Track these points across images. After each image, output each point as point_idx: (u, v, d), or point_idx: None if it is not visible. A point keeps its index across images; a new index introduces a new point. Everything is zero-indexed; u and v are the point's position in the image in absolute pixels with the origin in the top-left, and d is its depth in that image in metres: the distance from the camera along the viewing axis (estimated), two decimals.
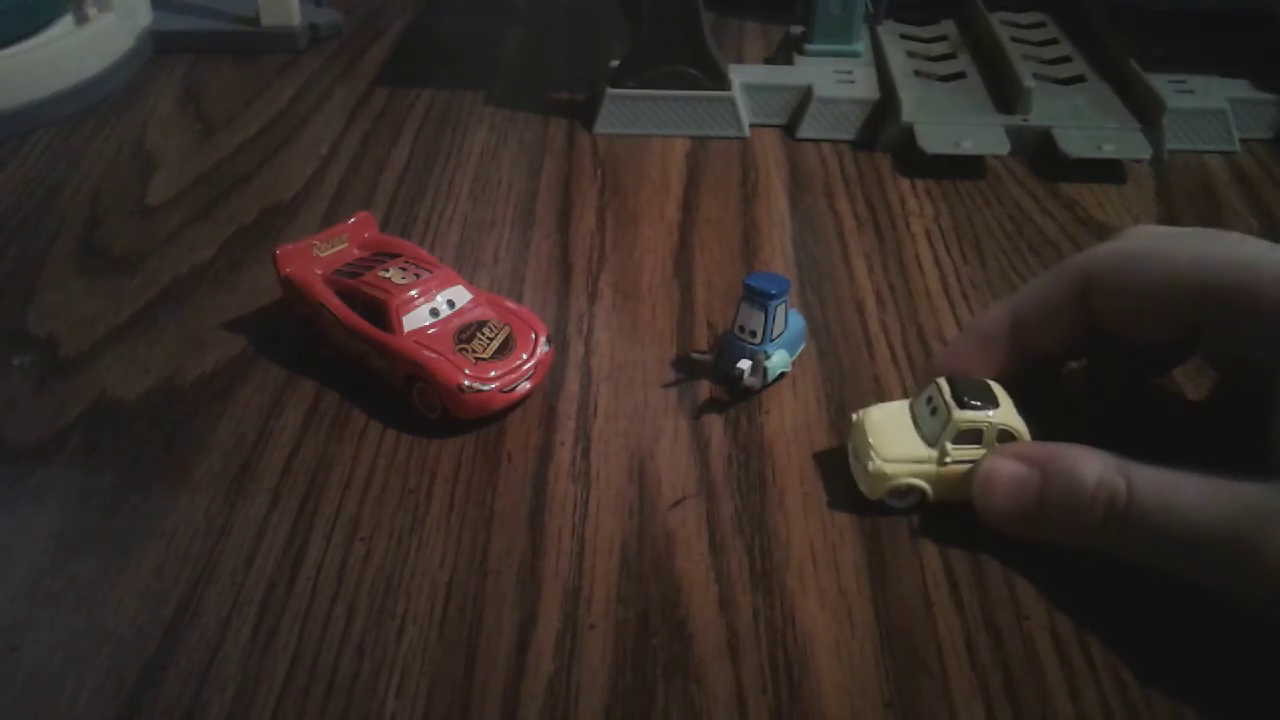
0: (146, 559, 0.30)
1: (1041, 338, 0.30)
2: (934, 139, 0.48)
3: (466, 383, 0.32)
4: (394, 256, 0.37)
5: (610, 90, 0.51)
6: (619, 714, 0.26)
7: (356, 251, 0.38)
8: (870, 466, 0.30)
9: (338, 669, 0.27)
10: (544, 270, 0.42)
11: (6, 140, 0.50)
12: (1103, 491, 0.26)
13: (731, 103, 0.51)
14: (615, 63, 0.51)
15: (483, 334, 0.34)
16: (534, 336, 0.35)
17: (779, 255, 0.42)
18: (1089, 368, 0.35)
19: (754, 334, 0.34)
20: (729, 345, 0.35)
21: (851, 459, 0.32)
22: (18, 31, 0.52)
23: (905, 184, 0.47)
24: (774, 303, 0.34)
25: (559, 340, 0.38)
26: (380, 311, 0.34)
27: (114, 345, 0.38)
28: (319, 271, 0.37)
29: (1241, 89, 0.51)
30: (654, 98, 0.51)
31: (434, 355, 0.33)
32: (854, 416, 0.32)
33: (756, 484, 0.32)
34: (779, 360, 0.35)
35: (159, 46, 0.59)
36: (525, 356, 0.34)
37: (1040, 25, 0.58)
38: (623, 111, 0.51)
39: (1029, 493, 0.28)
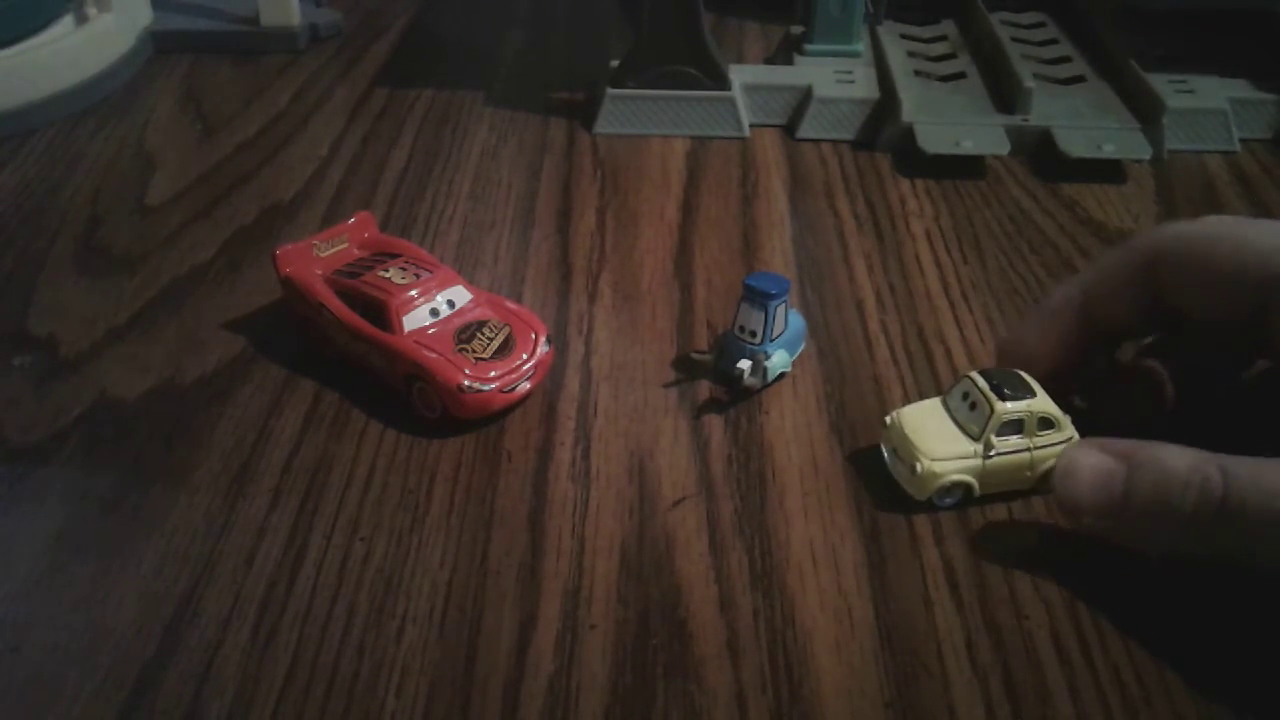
0: (146, 559, 0.30)
1: (1109, 314, 0.30)
2: (934, 139, 0.48)
3: (466, 383, 0.32)
4: (394, 256, 0.37)
5: (610, 90, 0.51)
6: (619, 714, 0.26)
7: (356, 251, 0.38)
8: (919, 468, 0.30)
9: (338, 669, 0.27)
10: (544, 270, 0.42)
11: (6, 140, 0.50)
12: (1195, 478, 0.25)
13: (731, 103, 0.51)
14: (615, 63, 0.51)
15: (483, 334, 0.34)
16: (534, 337, 0.35)
17: (779, 255, 0.42)
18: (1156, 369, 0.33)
19: (754, 334, 0.34)
20: (729, 345, 0.35)
21: (890, 462, 0.32)
22: (18, 31, 0.52)
23: (905, 184, 0.47)
24: (774, 303, 0.34)
25: (559, 340, 0.38)
26: (380, 311, 0.34)
27: (114, 345, 0.38)
28: (319, 272, 0.37)
29: (1241, 89, 0.51)
30: (654, 98, 0.51)
31: (434, 355, 0.33)
32: (887, 419, 0.32)
33: (756, 484, 0.32)
34: (779, 361, 0.35)
35: (159, 46, 0.59)
36: (525, 356, 0.34)
37: (1040, 25, 0.58)
38: (623, 111, 0.51)
39: (1115, 484, 0.26)
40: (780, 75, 0.53)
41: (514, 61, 0.59)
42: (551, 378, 0.36)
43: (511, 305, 0.36)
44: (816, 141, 0.51)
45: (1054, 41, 0.56)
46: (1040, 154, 0.49)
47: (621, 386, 0.36)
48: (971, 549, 0.30)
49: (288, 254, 0.37)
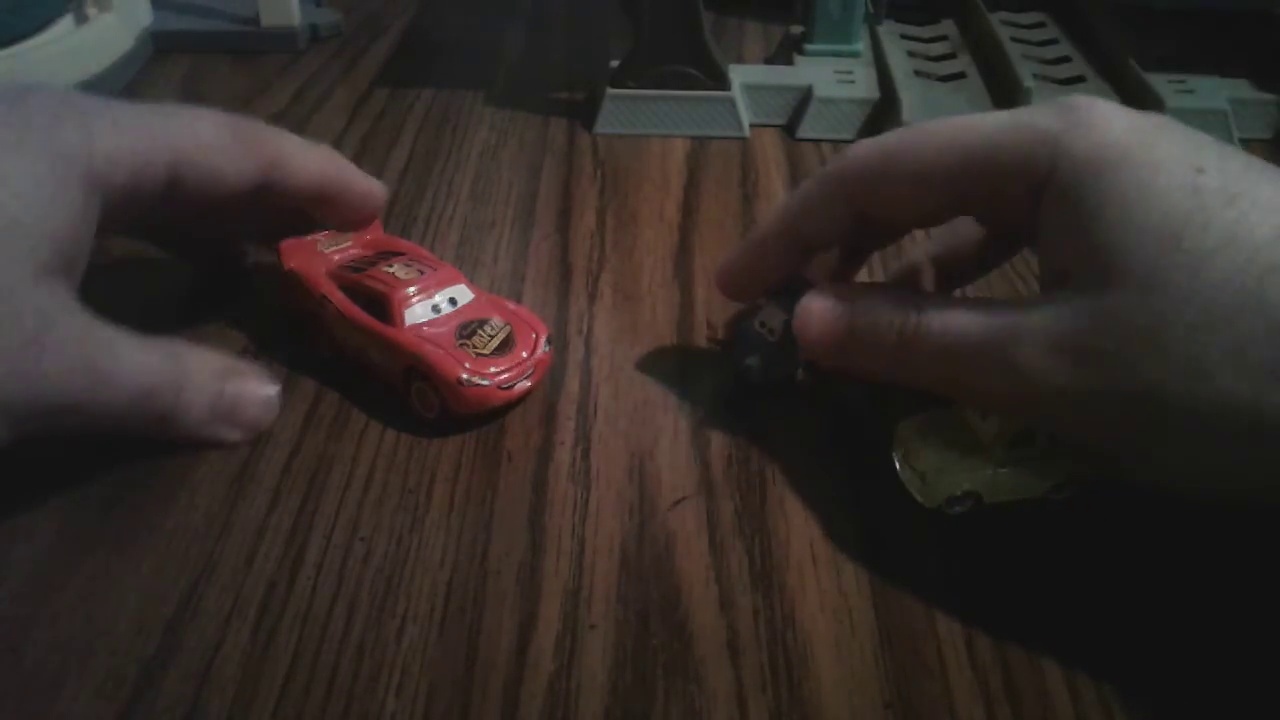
0: (146, 559, 0.30)
1: (812, 235, 0.33)
2: None
3: (465, 376, 0.32)
4: (398, 255, 0.37)
5: (610, 90, 0.51)
6: (619, 714, 0.26)
7: (360, 250, 0.38)
8: (929, 476, 0.30)
9: (338, 669, 0.27)
10: (544, 270, 0.42)
11: None
12: (898, 317, 0.30)
13: (731, 103, 0.51)
14: (615, 63, 0.51)
15: (484, 331, 0.34)
16: (534, 336, 0.35)
17: None
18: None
19: (773, 332, 0.34)
20: (747, 337, 0.35)
21: (901, 468, 0.32)
22: (18, 31, 0.51)
23: None
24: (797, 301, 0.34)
25: (559, 340, 0.38)
26: (382, 305, 0.34)
27: None
28: (322, 268, 0.37)
29: (1241, 89, 0.51)
30: (654, 98, 0.51)
31: (434, 348, 0.33)
32: (900, 426, 0.32)
33: (756, 484, 0.32)
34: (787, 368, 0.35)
35: (159, 46, 0.59)
36: (525, 355, 0.34)
37: (1040, 25, 0.58)
38: (623, 111, 0.51)
39: (840, 324, 0.31)
40: (780, 75, 0.53)
41: (514, 61, 0.59)
42: (551, 378, 0.36)
43: (513, 306, 0.36)
44: (817, 141, 0.51)
45: (1054, 41, 0.56)
46: None
47: (621, 386, 0.36)
48: (973, 549, 0.30)
49: (291, 248, 0.37)
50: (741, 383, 0.35)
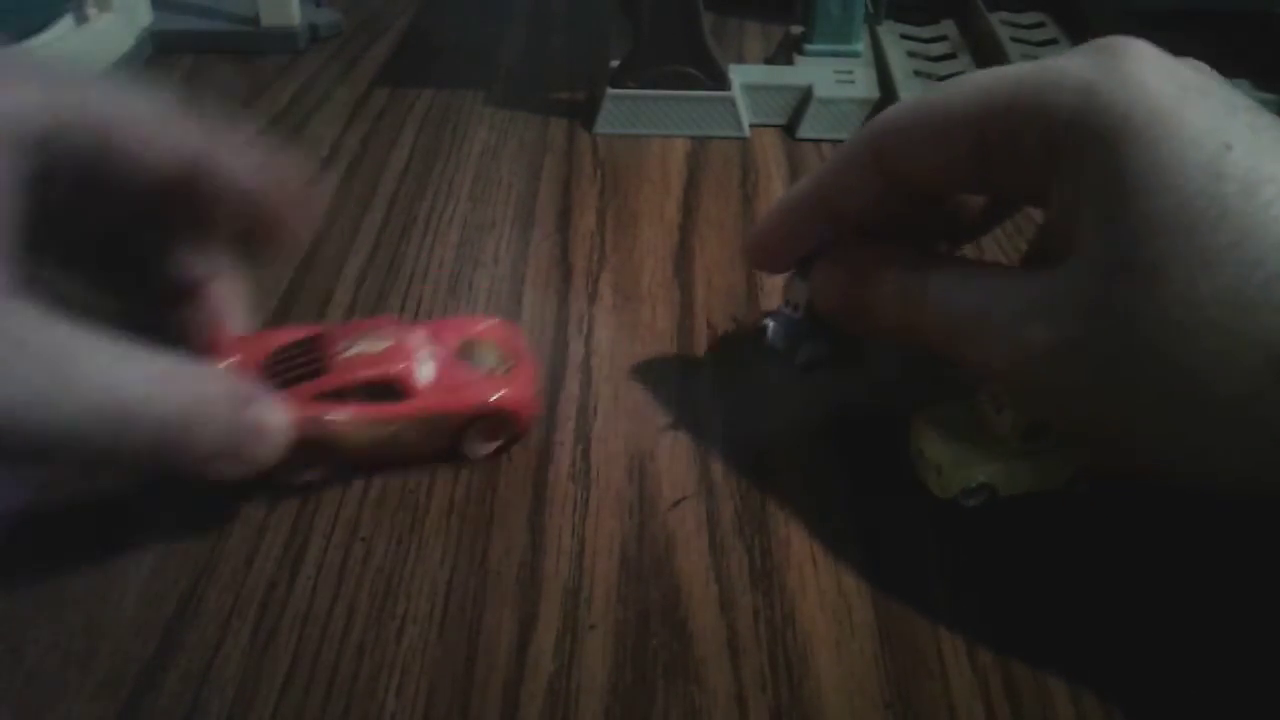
0: (146, 558, 0.30)
1: (844, 203, 0.32)
2: None
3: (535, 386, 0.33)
4: (308, 342, 0.32)
5: (610, 90, 0.51)
6: (619, 714, 0.26)
7: (253, 362, 0.32)
8: (944, 468, 0.30)
9: (338, 669, 0.27)
10: (544, 270, 0.42)
11: None
12: (902, 287, 0.30)
13: (731, 103, 0.51)
14: (615, 63, 0.51)
15: (478, 355, 0.33)
16: (502, 328, 0.35)
17: None
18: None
19: (797, 308, 0.34)
20: (776, 321, 0.36)
21: (917, 460, 0.32)
22: (18, 31, 0.51)
23: None
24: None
25: (559, 340, 0.38)
26: (392, 386, 0.31)
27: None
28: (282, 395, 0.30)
29: (1241, 89, 0.51)
30: (654, 98, 0.51)
31: (489, 390, 0.32)
32: (915, 418, 0.32)
33: (756, 484, 0.32)
34: (809, 348, 0.35)
35: (159, 46, 0.59)
36: (521, 352, 0.34)
37: (1040, 25, 0.58)
38: (623, 111, 0.51)
39: (852, 291, 0.31)
40: (780, 75, 0.53)
41: (514, 61, 0.59)
42: (551, 377, 0.36)
43: (467, 320, 0.35)
44: (817, 141, 0.51)
45: (1054, 41, 0.56)
46: None
47: (621, 386, 0.36)
48: (974, 549, 0.30)
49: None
50: (792, 361, 0.35)
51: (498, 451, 0.32)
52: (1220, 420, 0.25)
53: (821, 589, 0.29)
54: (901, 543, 0.30)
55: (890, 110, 0.31)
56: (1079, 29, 0.57)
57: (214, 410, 0.27)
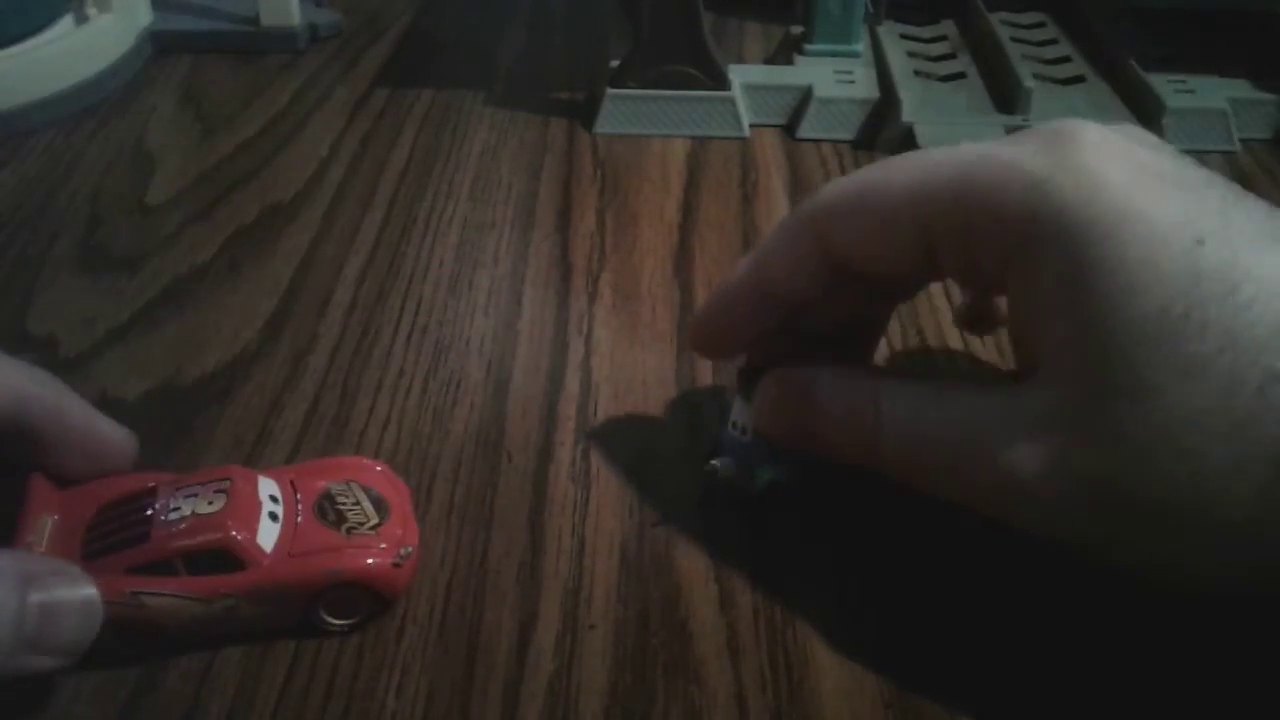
0: None
1: (789, 288, 0.29)
2: (934, 139, 0.48)
3: (402, 550, 0.27)
4: (135, 499, 0.28)
5: (610, 90, 0.51)
6: (619, 714, 0.26)
7: (59, 517, 0.28)
8: None
9: (338, 669, 0.27)
10: (544, 270, 0.42)
11: (6, 140, 0.50)
12: (854, 415, 0.27)
13: (731, 103, 0.51)
14: (615, 63, 0.51)
15: (342, 504, 0.28)
16: (377, 469, 0.30)
17: None
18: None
19: (744, 431, 0.30)
20: (723, 440, 0.31)
21: None
22: (18, 31, 0.52)
23: None
24: None
25: (559, 340, 0.38)
26: (223, 555, 0.26)
27: (114, 345, 0.38)
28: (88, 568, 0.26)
29: (1241, 89, 0.51)
30: (654, 98, 0.51)
31: (338, 555, 0.27)
32: None
33: None
34: (766, 472, 0.31)
35: (159, 46, 0.59)
36: (399, 497, 0.29)
37: (1040, 25, 0.58)
38: (623, 111, 0.51)
39: (797, 419, 0.29)
40: (780, 75, 0.53)
41: (514, 61, 0.59)
42: (551, 377, 0.36)
43: (330, 461, 0.31)
44: (816, 141, 0.51)
45: (1054, 41, 0.56)
46: None
47: (621, 386, 0.36)
48: (972, 549, 0.30)
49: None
50: (709, 485, 0.31)
51: (360, 624, 0.28)
52: (1230, 535, 0.23)
53: (822, 588, 0.29)
54: (902, 542, 0.30)
55: (830, 190, 0.28)
56: (1079, 29, 0.57)
57: None
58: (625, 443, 0.34)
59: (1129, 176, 0.24)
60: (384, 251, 0.43)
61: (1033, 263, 0.24)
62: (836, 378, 0.28)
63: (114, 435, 0.29)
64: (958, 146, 0.26)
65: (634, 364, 0.37)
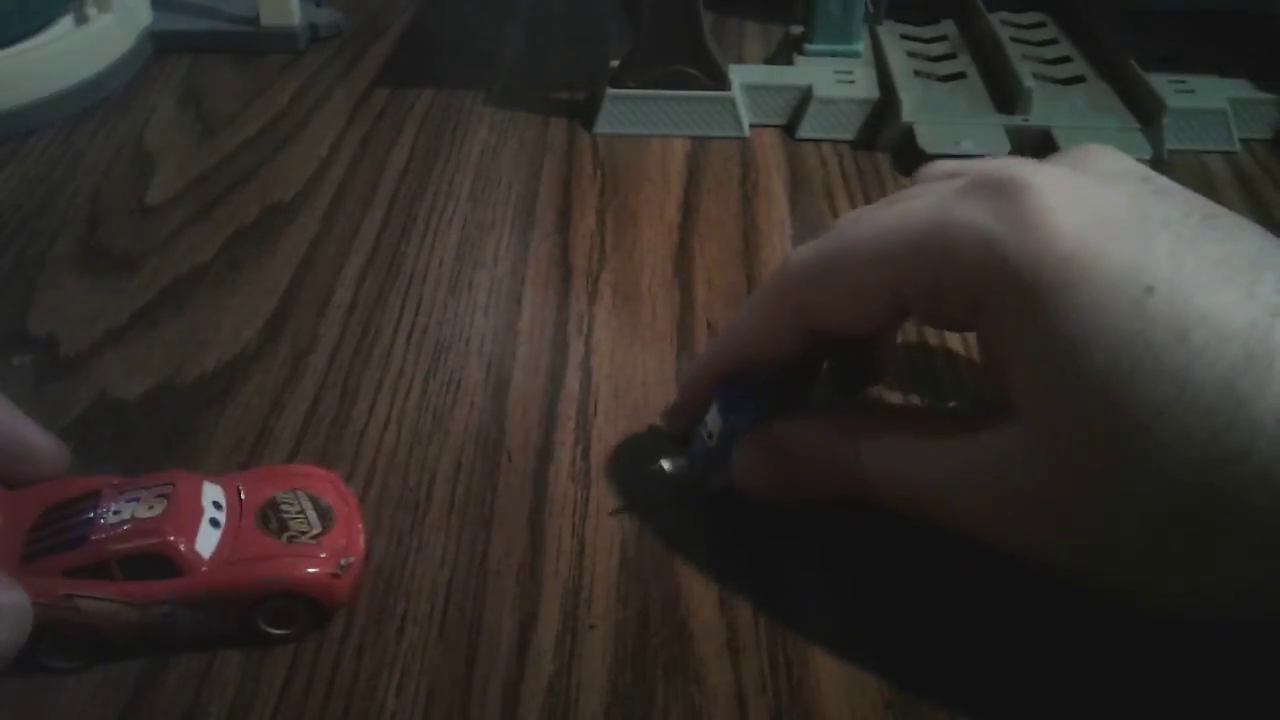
0: None
1: (770, 357, 0.30)
2: (934, 139, 0.48)
3: (342, 562, 0.27)
4: (78, 503, 0.27)
5: (610, 90, 0.51)
6: (619, 714, 0.26)
7: (2, 519, 0.28)
8: None
9: (338, 669, 0.27)
10: (544, 270, 0.42)
11: (6, 140, 0.50)
12: (836, 467, 0.28)
13: (731, 103, 0.51)
14: (615, 63, 0.51)
15: (285, 510, 0.28)
16: (329, 482, 0.30)
17: (779, 256, 0.42)
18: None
19: (710, 436, 0.30)
20: (691, 444, 0.32)
21: None
22: (18, 31, 0.52)
23: (905, 184, 0.47)
24: (734, 415, 0.30)
25: (559, 340, 0.38)
26: (160, 559, 0.26)
27: (114, 345, 0.38)
28: (12, 567, 0.26)
29: (1241, 89, 0.51)
30: (654, 98, 0.51)
31: (277, 563, 0.27)
32: None
33: None
34: (723, 478, 0.31)
35: (159, 46, 0.59)
36: (347, 506, 0.29)
37: (1040, 25, 0.58)
38: (623, 111, 0.51)
39: (778, 477, 0.29)
40: (780, 75, 0.53)
41: (514, 61, 0.59)
42: (551, 377, 0.36)
43: (281, 469, 0.31)
44: (816, 141, 0.51)
45: (1054, 41, 0.56)
46: (1040, 154, 0.48)
47: (621, 386, 0.36)
48: (973, 549, 0.30)
49: None
50: (656, 483, 0.31)
51: (298, 635, 0.27)
52: (1196, 567, 0.24)
53: (822, 588, 0.29)
54: (903, 543, 0.30)
55: (801, 260, 0.28)
56: (1079, 29, 0.57)
57: None
58: (625, 443, 0.34)
59: (1079, 226, 0.24)
60: (384, 251, 0.43)
61: (994, 316, 0.25)
62: (817, 437, 0.29)
63: (41, 443, 0.29)
64: (912, 204, 0.26)
65: (634, 364, 0.37)
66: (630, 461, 0.33)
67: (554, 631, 0.28)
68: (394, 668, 0.27)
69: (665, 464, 0.31)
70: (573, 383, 0.36)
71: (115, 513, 0.26)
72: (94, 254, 0.43)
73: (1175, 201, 0.25)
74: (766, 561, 0.30)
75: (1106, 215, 0.24)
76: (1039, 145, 0.49)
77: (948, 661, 0.27)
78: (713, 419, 0.30)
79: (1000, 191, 0.24)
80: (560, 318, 0.39)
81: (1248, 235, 0.25)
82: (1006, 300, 0.24)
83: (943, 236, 0.25)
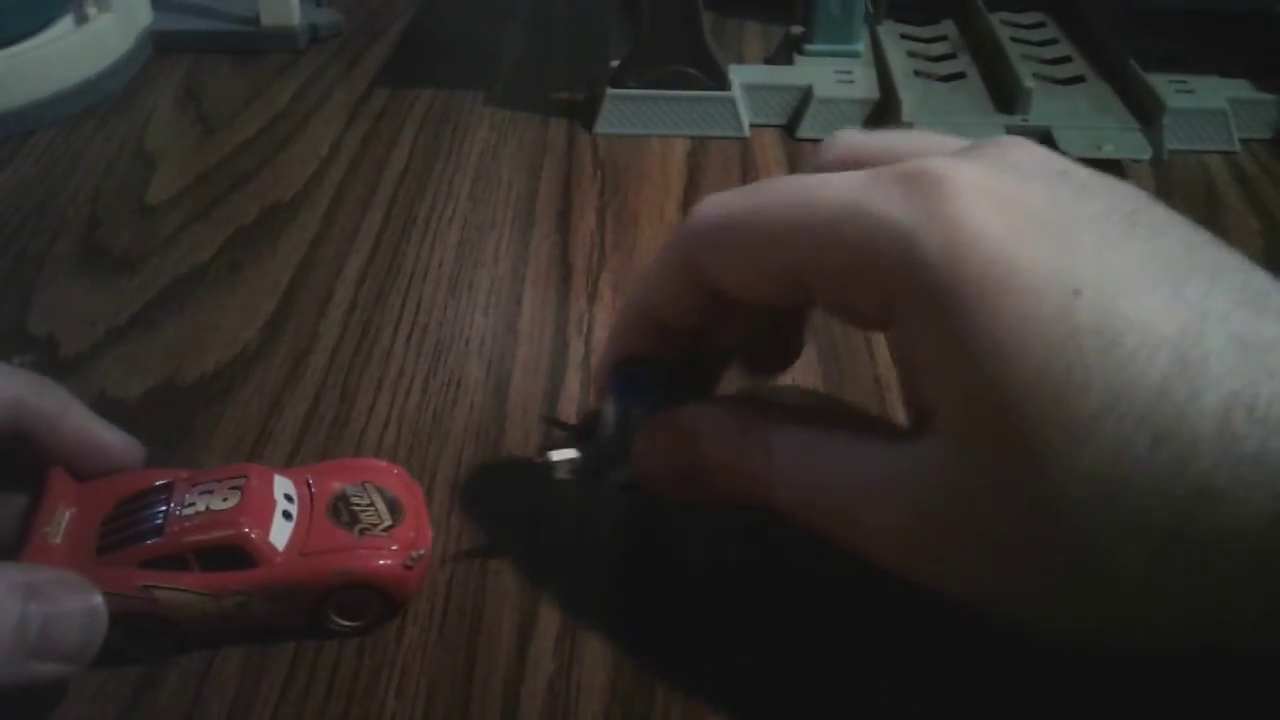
0: None
1: (674, 319, 0.28)
2: None
3: (413, 554, 0.27)
4: (151, 495, 0.28)
5: (610, 90, 0.51)
6: (619, 714, 0.26)
7: (81, 510, 0.28)
8: None
9: (338, 669, 0.27)
10: (544, 270, 0.42)
11: (6, 140, 0.50)
12: (745, 464, 0.26)
13: (731, 103, 0.51)
14: (615, 63, 0.51)
15: (356, 504, 0.28)
16: (394, 473, 0.30)
17: None
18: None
19: (607, 427, 0.29)
20: (584, 448, 0.29)
21: None
22: (18, 31, 0.51)
23: None
24: (626, 403, 0.28)
25: (559, 340, 0.38)
26: (236, 552, 0.26)
27: (114, 345, 0.38)
28: (86, 559, 0.26)
29: (1241, 89, 0.51)
30: (654, 98, 0.51)
31: (351, 555, 0.27)
32: None
33: None
34: (622, 472, 0.29)
35: (159, 46, 0.59)
36: (415, 500, 0.29)
37: (1040, 25, 0.58)
38: (623, 111, 0.51)
39: (682, 463, 0.27)
40: (780, 75, 0.53)
41: (514, 61, 0.59)
42: (551, 378, 0.36)
43: (348, 463, 0.31)
44: (816, 141, 0.51)
45: (1054, 41, 0.56)
46: None
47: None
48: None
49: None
50: (545, 477, 0.29)
51: (368, 627, 0.28)
52: (1119, 599, 0.22)
53: (828, 581, 0.29)
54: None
55: (707, 216, 0.26)
56: (1079, 29, 0.57)
57: None
58: None
59: (1001, 225, 0.22)
60: (384, 251, 0.43)
61: (910, 319, 0.23)
62: (725, 423, 0.27)
63: (116, 442, 0.29)
64: (829, 183, 0.24)
65: None
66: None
67: (554, 631, 0.28)
68: (394, 668, 0.27)
69: (553, 456, 0.29)
70: (573, 383, 0.36)
71: (190, 505, 0.27)
72: (94, 254, 0.43)
73: (1097, 197, 0.24)
74: (766, 563, 0.30)
75: (1029, 215, 0.23)
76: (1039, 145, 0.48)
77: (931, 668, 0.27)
78: (609, 407, 0.29)
79: (921, 183, 0.23)
80: (560, 318, 0.39)
81: (1173, 231, 0.24)
82: (924, 302, 0.22)
83: (859, 226, 0.23)
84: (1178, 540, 0.21)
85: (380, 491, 0.29)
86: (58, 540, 0.27)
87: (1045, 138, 0.48)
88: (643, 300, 0.28)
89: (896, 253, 0.23)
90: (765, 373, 0.33)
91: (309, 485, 0.29)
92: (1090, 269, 0.22)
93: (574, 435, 0.31)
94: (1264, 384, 0.21)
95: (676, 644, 0.28)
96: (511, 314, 0.39)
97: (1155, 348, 0.21)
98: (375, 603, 0.27)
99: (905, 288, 0.23)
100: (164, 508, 0.27)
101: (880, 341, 0.38)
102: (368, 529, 0.28)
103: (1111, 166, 0.48)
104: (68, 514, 0.27)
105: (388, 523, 0.28)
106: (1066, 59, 0.54)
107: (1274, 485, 0.21)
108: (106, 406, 0.35)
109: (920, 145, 0.27)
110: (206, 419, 0.34)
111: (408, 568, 0.27)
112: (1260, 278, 0.23)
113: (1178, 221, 0.24)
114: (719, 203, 0.26)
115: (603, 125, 0.51)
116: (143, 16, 0.59)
